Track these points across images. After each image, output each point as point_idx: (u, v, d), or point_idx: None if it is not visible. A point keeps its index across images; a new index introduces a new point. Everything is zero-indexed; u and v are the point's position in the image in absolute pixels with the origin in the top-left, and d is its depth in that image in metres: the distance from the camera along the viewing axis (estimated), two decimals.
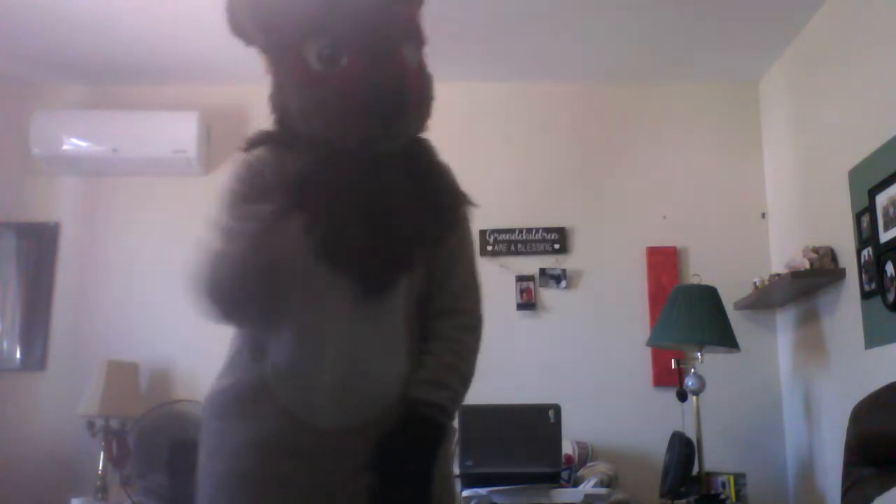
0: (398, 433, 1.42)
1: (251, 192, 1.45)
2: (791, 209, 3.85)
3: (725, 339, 3.44)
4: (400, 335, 1.49)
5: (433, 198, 1.51)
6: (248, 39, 1.53)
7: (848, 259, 3.24)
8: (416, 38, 1.52)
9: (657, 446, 3.52)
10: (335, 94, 1.42)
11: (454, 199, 1.54)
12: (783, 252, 3.80)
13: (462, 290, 1.56)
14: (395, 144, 1.48)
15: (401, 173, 1.48)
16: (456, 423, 1.54)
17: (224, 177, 1.51)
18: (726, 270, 3.92)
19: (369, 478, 1.40)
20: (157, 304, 3.98)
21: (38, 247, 4.07)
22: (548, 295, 4.04)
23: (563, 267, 4.05)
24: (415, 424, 1.43)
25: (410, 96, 1.44)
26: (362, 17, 1.44)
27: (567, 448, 3.42)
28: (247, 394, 1.44)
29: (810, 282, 3.41)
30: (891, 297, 2.88)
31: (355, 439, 1.42)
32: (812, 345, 3.59)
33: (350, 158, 1.44)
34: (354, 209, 1.42)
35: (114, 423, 3.65)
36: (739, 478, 3.44)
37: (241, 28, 1.52)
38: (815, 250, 3.35)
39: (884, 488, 2.28)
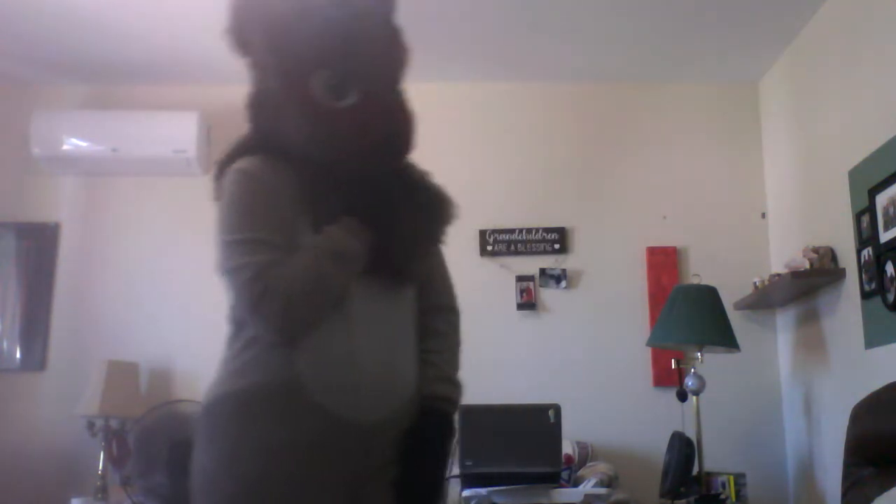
0: (422, 429, 1.51)
1: (261, 200, 1.48)
2: (791, 209, 3.85)
3: (725, 339, 3.44)
4: (411, 333, 1.58)
5: (427, 201, 1.60)
6: (247, 51, 1.55)
7: (848, 259, 3.24)
8: (406, 69, 1.59)
9: (657, 446, 3.52)
10: (348, 132, 1.48)
11: (444, 202, 1.63)
12: (783, 252, 3.80)
13: (446, 286, 1.69)
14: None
15: (402, 184, 1.58)
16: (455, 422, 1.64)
17: (224, 190, 1.50)
18: (726, 270, 3.92)
19: (393, 472, 1.48)
20: (157, 304, 3.99)
21: (38, 247, 4.07)
22: (548, 295, 4.04)
23: (563, 267, 4.05)
24: (436, 420, 1.54)
25: (411, 137, 1.55)
26: (373, 55, 1.51)
27: (567, 448, 3.42)
28: (277, 394, 1.42)
29: (810, 282, 3.41)
30: (891, 297, 2.88)
31: (379, 435, 1.47)
32: (812, 345, 3.59)
33: (362, 178, 1.52)
34: (381, 214, 1.50)
35: (114, 423, 3.65)
36: (739, 478, 3.43)
37: (243, 39, 1.53)
38: (815, 250, 3.35)
39: (884, 488, 2.28)
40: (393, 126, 1.51)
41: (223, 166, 1.54)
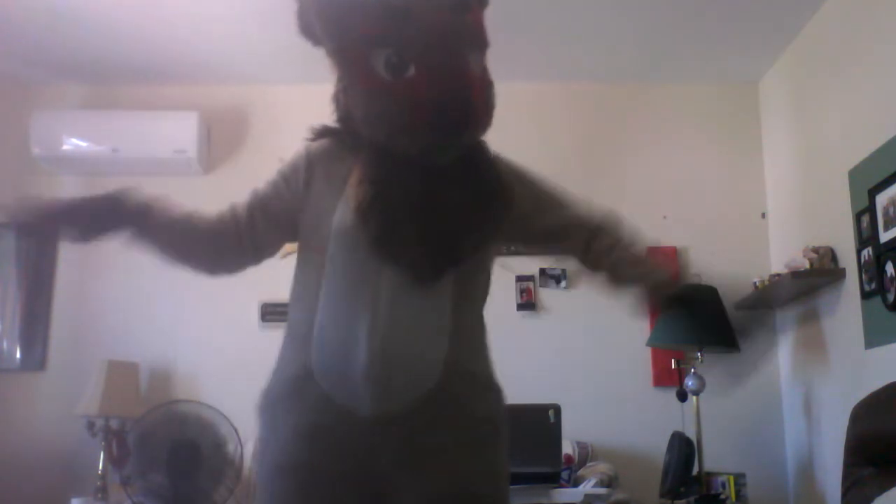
0: None
1: (288, 174, 1.57)
2: (791, 209, 3.85)
3: (725, 339, 3.44)
4: (444, 320, 1.49)
5: (482, 200, 1.53)
6: (316, 41, 1.54)
7: (848, 259, 3.24)
8: (481, 43, 1.52)
9: (657, 446, 3.52)
10: (400, 106, 1.43)
11: (498, 196, 1.57)
12: (783, 252, 3.80)
13: (487, 281, 1.65)
14: (454, 154, 1.50)
15: (455, 177, 1.50)
16: None
17: None
18: (726, 270, 3.91)
19: (432, 473, 1.45)
20: (157, 304, 3.99)
21: (38, 247, 4.07)
22: (548, 295, 4.03)
23: (563, 267, 4.04)
24: None
25: (475, 111, 1.46)
26: (431, 26, 1.44)
27: (567, 448, 3.42)
28: (293, 385, 1.47)
29: (810, 282, 3.41)
30: (891, 297, 2.88)
31: (397, 429, 1.43)
32: (812, 345, 3.59)
33: (408, 163, 1.47)
34: (408, 210, 1.45)
35: (114, 423, 3.65)
36: (739, 478, 3.44)
37: (309, 29, 1.53)
38: (815, 250, 3.35)
39: (884, 488, 2.28)
40: (456, 95, 1.42)
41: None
